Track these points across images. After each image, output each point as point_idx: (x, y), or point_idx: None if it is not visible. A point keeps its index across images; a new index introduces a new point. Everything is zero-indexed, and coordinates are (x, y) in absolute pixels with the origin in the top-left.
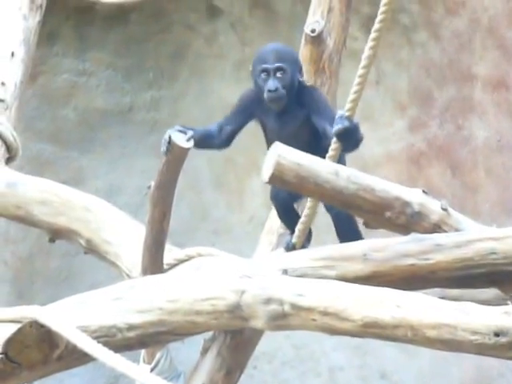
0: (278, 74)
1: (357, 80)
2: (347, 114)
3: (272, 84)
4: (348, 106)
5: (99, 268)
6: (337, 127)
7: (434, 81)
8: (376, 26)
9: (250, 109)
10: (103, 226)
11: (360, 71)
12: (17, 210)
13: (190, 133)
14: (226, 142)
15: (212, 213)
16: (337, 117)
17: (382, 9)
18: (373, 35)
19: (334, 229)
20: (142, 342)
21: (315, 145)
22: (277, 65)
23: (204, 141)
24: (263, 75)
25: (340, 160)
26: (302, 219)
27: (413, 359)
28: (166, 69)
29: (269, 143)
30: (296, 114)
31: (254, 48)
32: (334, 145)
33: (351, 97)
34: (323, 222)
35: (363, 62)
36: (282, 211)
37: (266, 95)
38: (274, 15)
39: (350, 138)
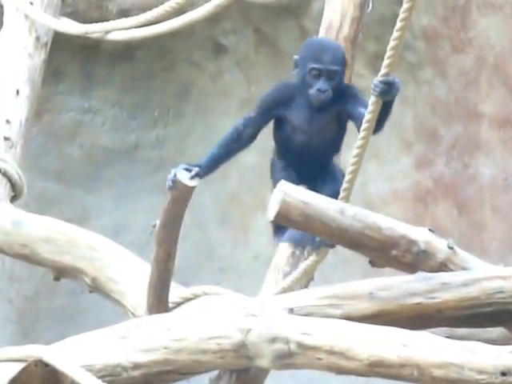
0: (331, 76)
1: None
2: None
3: (324, 85)
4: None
5: (104, 307)
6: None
7: (440, 118)
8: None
9: (277, 107)
10: (108, 265)
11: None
12: (22, 248)
13: (195, 170)
14: (247, 143)
15: (217, 251)
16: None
17: (388, 53)
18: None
19: (339, 267)
20: (147, 381)
21: (338, 139)
22: (333, 68)
23: (225, 157)
24: (314, 73)
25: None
26: (308, 262)
27: None
28: (171, 106)
29: (288, 139)
30: (329, 109)
31: (259, 86)
32: (372, 99)
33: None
34: (328, 260)
35: (370, 107)
36: None
37: (313, 93)
38: (280, 53)
39: (390, 87)
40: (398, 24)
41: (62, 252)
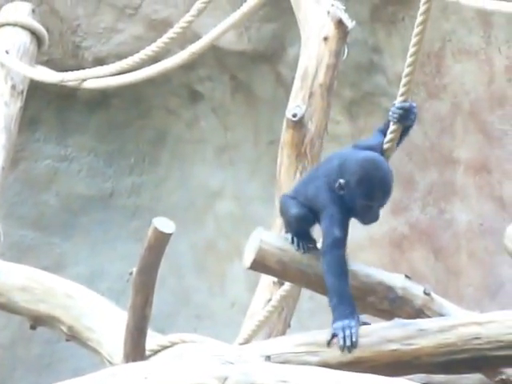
0: (383, 206)
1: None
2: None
3: (374, 216)
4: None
5: (81, 355)
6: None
7: (415, 164)
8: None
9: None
10: (85, 313)
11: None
12: None
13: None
14: None
15: (194, 298)
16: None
17: (404, 80)
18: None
19: (316, 314)
20: None
21: None
22: (386, 201)
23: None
24: (367, 208)
25: None
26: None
27: None
28: (147, 154)
29: None
30: None
31: (235, 132)
32: (392, 126)
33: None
34: (306, 307)
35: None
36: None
37: (363, 219)
38: (256, 100)
39: (408, 113)
40: (411, 49)
41: (38, 300)
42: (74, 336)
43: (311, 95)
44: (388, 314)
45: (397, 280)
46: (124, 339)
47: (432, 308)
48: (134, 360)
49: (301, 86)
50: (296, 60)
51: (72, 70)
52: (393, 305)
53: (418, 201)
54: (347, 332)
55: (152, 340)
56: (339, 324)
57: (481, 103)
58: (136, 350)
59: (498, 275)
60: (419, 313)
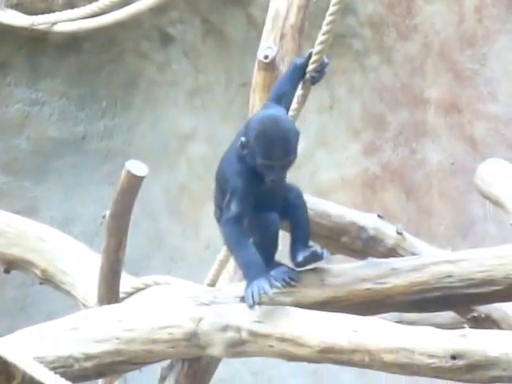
0: (285, 166)
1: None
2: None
3: (277, 176)
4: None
5: (55, 298)
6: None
7: (387, 105)
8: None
9: (254, 185)
10: (58, 256)
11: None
12: None
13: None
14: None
15: (168, 240)
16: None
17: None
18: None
19: (288, 256)
20: (99, 372)
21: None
22: (286, 160)
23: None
24: (266, 168)
25: None
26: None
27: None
28: (119, 97)
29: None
30: None
31: (207, 75)
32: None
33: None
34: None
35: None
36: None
37: (267, 181)
38: (227, 42)
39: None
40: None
41: (11, 244)
42: (47, 279)
43: (282, 37)
44: (361, 254)
45: (369, 220)
46: (98, 282)
47: (404, 247)
48: (109, 303)
49: (272, 27)
50: (267, 2)
51: (42, 14)
52: (365, 244)
53: (389, 141)
54: (255, 290)
55: (126, 282)
56: (249, 289)
57: (451, 43)
58: (110, 293)
59: (469, 214)
60: (392, 252)
